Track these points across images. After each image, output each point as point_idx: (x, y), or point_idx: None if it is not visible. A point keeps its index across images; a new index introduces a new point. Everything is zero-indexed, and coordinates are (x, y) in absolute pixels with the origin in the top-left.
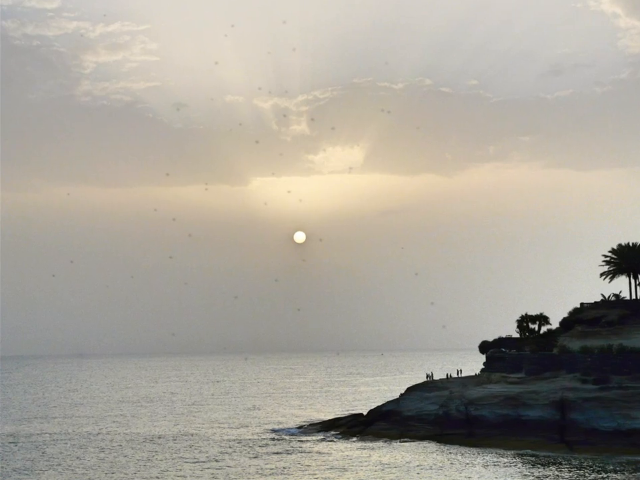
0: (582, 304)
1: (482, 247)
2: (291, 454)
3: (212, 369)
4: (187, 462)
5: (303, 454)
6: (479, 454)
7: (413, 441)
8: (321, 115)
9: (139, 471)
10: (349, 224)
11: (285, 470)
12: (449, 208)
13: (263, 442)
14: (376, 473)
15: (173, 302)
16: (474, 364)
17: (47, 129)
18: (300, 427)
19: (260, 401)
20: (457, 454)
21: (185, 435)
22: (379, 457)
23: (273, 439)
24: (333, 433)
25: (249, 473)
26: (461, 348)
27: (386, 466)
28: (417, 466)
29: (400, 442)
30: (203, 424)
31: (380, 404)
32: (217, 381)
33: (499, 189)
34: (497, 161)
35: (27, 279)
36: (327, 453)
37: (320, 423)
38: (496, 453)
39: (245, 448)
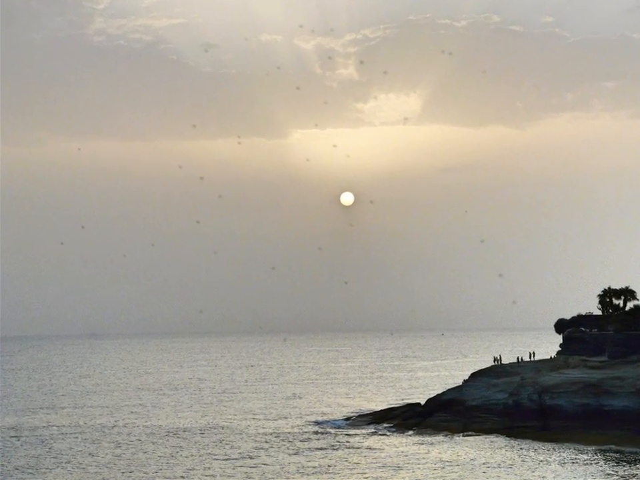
0: None
1: (558, 209)
2: (336, 450)
3: (245, 351)
4: (216, 459)
5: (350, 450)
6: (554, 450)
7: (478, 435)
8: (372, 57)
9: (160, 470)
10: (403, 183)
11: (330, 468)
12: (520, 165)
13: (304, 436)
14: (435, 471)
15: (201, 274)
16: (549, 345)
17: (55, 74)
18: (347, 419)
19: (301, 388)
20: (528, 450)
21: (215, 428)
22: (439, 453)
23: (316, 433)
24: (385, 425)
25: (288, 472)
26: (534, 327)
27: (447, 464)
28: (483, 464)
29: (463, 436)
30: (235, 415)
31: (440, 392)
32: (252, 366)
33: (578, 142)
34: (575, 110)
35: (31, 248)
36: (379, 449)
37: (371, 413)
38: (574, 449)
39: (284, 443)
